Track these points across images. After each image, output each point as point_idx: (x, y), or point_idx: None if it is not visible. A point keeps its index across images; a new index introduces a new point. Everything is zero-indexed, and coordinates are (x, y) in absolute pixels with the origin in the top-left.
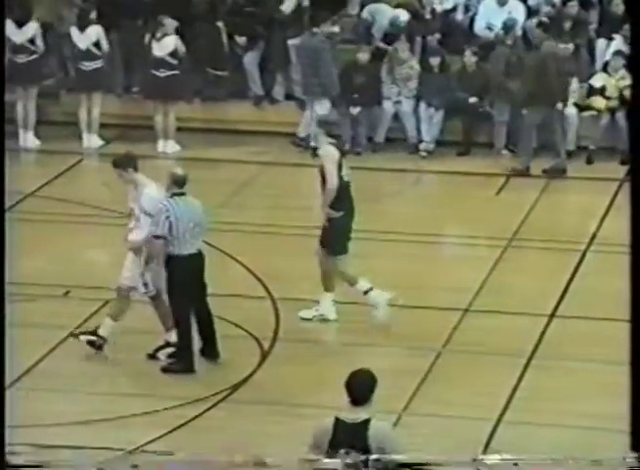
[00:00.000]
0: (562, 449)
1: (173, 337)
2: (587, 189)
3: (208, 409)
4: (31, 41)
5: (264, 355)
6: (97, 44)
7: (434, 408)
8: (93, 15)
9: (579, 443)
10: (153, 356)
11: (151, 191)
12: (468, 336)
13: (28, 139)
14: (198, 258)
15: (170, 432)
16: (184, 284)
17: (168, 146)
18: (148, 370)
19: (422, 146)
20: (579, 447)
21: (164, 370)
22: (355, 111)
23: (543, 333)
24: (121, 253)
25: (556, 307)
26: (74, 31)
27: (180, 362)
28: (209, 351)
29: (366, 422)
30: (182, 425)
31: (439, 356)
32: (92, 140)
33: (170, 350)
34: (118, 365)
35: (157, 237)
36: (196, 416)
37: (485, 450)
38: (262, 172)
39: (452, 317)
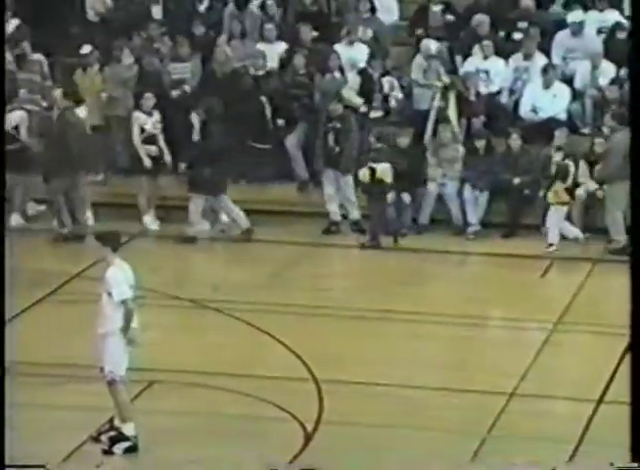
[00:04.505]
0: None
1: (125, 428)
2: None
3: None
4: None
5: (308, 438)
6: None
7: None
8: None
9: None
10: (96, 439)
11: (115, 272)
12: (513, 421)
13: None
14: None
15: None
16: None
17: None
18: (178, 452)
19: (469, 229)
20: None
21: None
22: (401, 196)
23: (591, 418)
24: (168, 334)
25: (604, 393)
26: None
27: None
28: None
29: None
30: None
31: (484, 442)
32: (149, 220)
33: (113, 433)
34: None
35: None
36: None
37: None
38: (306, 254)
39: (497, 401)
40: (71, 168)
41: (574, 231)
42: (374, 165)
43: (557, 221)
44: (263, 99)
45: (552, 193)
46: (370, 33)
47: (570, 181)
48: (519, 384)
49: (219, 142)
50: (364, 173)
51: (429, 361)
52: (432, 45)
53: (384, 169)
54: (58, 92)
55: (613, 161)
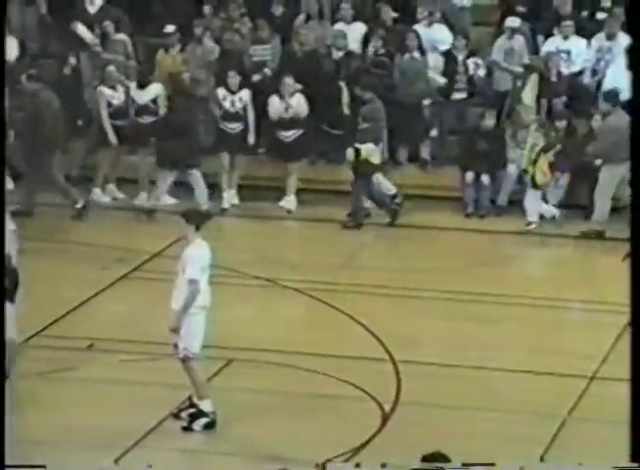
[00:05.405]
0: None
1: (203, 404)
2: None
3: None
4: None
5: (385, 418)
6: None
7: None
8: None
9: None
10: (176, 416)
11: (192, 251)
12: (594, 404)
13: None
14: None
15: None
16: None
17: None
18: (257, 429)
19: (547, 211)
20: None
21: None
22: (481, 177)
23: None
24: (247, 313)
25: None
26: (222, 91)
27: None
28: None
29: None
30: None
31: (564, 424)
32: (230, 199)
33: (192, 410)
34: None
35: None
36: None
37: None
38: (383, 235)
39: (578, 384)
40: (45, 148)
41: (552, 210)
42: (359, 146)
43: (535, 202)
44: (341, 84)
45: (540, 173)
46: (439, 14)
47: (551, 156)
48: (600, 367)
49: (184, 117)
50: (349, 153)
51: (508, 343)
52: (516, 23)
53: (369, 150)
54: (24, 76)
55: (605, 139)
